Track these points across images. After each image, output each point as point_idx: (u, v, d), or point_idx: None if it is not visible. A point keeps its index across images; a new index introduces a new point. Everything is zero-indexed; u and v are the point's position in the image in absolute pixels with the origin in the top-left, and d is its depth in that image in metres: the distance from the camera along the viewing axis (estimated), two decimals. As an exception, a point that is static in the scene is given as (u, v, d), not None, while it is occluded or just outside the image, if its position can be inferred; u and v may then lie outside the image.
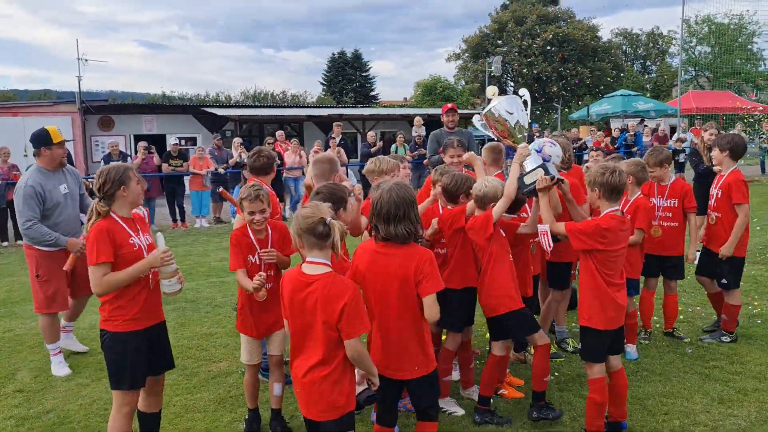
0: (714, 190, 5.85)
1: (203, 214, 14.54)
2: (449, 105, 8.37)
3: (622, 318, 4.07)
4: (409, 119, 25.35)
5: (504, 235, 4.31)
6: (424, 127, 16.39)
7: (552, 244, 4.17)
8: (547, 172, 4.12)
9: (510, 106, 4.34)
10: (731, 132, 6.22)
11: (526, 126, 4.42)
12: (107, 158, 13.90)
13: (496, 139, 4.54)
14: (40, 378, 5.45)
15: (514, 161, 4.22)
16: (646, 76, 63.25)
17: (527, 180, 4.18)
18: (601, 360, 4.05)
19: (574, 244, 3.98)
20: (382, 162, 4.82)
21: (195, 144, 21.77)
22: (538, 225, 4.24)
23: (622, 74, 53.73)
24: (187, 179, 14.68)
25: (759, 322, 6.33)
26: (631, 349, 5.49)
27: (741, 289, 5.66)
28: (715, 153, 5.90)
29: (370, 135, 15.89)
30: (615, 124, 27.84)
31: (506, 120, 4.30)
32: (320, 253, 3.02)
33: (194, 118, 23.48)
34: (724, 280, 5.77)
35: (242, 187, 4.49)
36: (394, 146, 15.97)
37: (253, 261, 4.20)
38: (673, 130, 28.17)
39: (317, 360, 3.00)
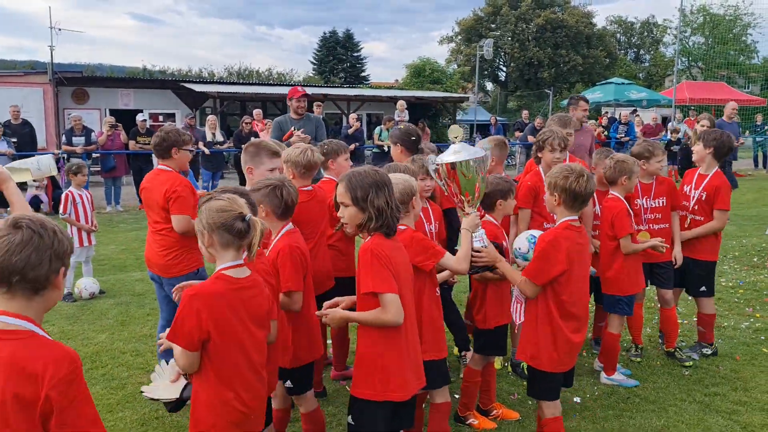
0: (695, 192, 5.14)
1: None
2: (300, 89, 7.19)
3: (574, 359, 3.48)
4: (395, 101, 24.58)
5: None
6: (407, 111, 15.69)
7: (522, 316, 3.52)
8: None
9: (474, 160, 3.33)
10: (718, 130, 5.43)
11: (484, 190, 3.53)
12: (69, 133, 13.07)
13: (446, 191, 3.59)
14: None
15: (465, 228, 3.35)
16: (639, 65, 62.85)
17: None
18: (554, 399, 3.46)
19: (540, 281, 3.34)
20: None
21: (174, 121, 20.88)
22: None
23: (615, 62, 53.22)
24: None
25: (763, 338, 5.69)
26: (618, 377, 4.84)
27: (741, 298, 5.06)
28: (698, 148, 5.23)
29: (352, 117, 15.12)
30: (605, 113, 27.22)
31: (469, 175, 3.32)
32: (234, 255, 2.58)
33: (173, 93, 22.56)
34: (703, 288, 5.18)
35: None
36: (378, 129, 15.25)
37: None
38: (665, 120, 27.64)
39: None
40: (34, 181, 12.45)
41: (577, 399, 4.55)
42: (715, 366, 5.11)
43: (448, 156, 3.32)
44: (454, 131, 3.46)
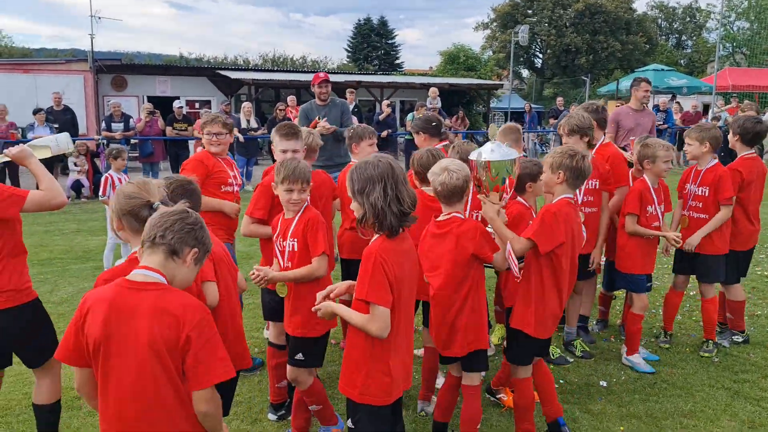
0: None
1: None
2: (321, 75, 7.16)
3: (552, 329, 3.66)
4: (428, 88, 24.49)
5: None
6: (439, 98, 15.63)
7: (518, 267, 3.58)
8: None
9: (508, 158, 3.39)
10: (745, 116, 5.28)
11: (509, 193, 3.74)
12: (108, 119, 13.38)
13: (474, 184, 3.67)
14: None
15: (490, 214, 3.46)
16: (681, 51, 61.25)
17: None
18: (528, 363, 3.69)
19: (543, 248, 3.44)
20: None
21: (210, 108, 21.17)
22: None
23: (655, 48, 52.03)
24: (191, 144, 14.11)
25: (796, 327, 5.61)
26: (636, 359, 4.84)
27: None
28: (729, 136, 5.22)
29: (384, 103, 15.13)
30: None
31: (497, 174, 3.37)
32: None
33: (209, 81, 22.86)
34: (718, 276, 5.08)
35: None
36: (410, 115, 15.24)
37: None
38: (706, 108, 27.00)
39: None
40: (75, 165, 12.81)
41: (603, 383, 4.56)
42: (746, 353, 5.06)
43: (484, 154, 3.36)
44: (492, 130, 3.64)
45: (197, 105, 22.09)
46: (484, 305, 3.45)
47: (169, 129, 13.71)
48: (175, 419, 2.23)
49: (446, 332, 3.39)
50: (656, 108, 18.67)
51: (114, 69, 22.10)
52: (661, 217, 4.77)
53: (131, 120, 13.57)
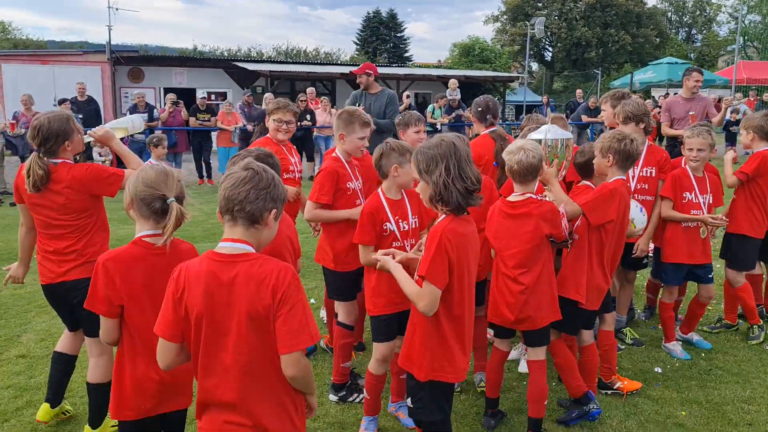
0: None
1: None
2: (361, 68, 7.31)
3: (599, 302, 3.88)
4: (444, 81, 24.43)
5: None
6: (459, 90, 15.62)
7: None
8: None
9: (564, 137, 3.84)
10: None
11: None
12: (133, 109, 13.43)
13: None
14: (46, 342, 5.02)
15: (549, 177, 3.74)
16: (691, 45, 60.92)
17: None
18: (575, 334, 3.93)
19: (594, 219, 3.67)
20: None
21: (225, 99, 21.20)
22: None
23: (665, 42, 51.76)
24: (214, 135, 14.15)
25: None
26: (672, 346, 4.89)
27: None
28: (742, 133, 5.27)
29: (405, 95, 15.12)
30: (656, 94, 26.54)
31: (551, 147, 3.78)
32: (153, 226, 2.62)
33: (225, 72, 22.89)
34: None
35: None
36: (431, 107, 15.26)
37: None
38: (720, 101, 26.84)
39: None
40: (100, 155, 12.87)
41: (658, 369, 4.59)
42: (798, 341, 5.08)
43: (544, 134, 3.75)
44: (548, 117, 4.14)
45: (213, 96, 22.11)
46: (554, 280, 3.58)
47: (192, 120, 13.76)
48: (275, 386, 2.27)
49: (519, 308, 3.46)
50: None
51: (131, 60, 22.13)
52: (704, 206, 4.69)
53: (155, 110, 13.62)
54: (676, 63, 29.56)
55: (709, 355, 4.84)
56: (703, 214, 4.66)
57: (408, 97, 14.92)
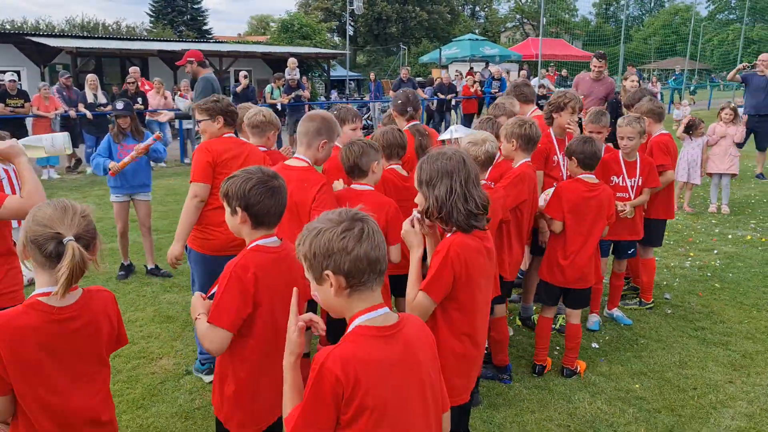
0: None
1: (52, 164, 12.23)
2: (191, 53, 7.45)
3: (515, 274, 4.36)
4: (268, 58, 23.73)
5: None
6: (298, 69, 15.27)
7: None
8: None
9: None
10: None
11: None
12: None
13: None
14: None
15: None
16: (475, 21, 65.62)
17: None
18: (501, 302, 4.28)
19: (509, 202, 4.00)
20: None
21: (18, 79, 18.55)
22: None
23: (456, 18, 55.12)
24: (29, 122, 12.33)
25: (709, 274, 6.49)
26: (617, 312, 5.43)
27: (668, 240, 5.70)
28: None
29: (242, 75, 14.39)
30: (458, 68, 28.02)
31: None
32: (50, 280, 2.07)
33: (15, 48, 20.02)
34: None
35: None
36: (269, 87, 14.72)
37: None
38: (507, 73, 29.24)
39: None
40: None
41: (595, 344, 4.92)
42: (687, 303, 5.73)
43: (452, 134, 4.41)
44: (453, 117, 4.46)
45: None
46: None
47: (1, 106, 11.78)
48: None
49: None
50: (491, 77, 19.87)
51: None
52: (631, 190, 5.00)
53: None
54: (477, 39, 31.71)
55: (631, 326, 5.29)
56: (630, 197, 5.01)
57: (246, 77, 14.22)
